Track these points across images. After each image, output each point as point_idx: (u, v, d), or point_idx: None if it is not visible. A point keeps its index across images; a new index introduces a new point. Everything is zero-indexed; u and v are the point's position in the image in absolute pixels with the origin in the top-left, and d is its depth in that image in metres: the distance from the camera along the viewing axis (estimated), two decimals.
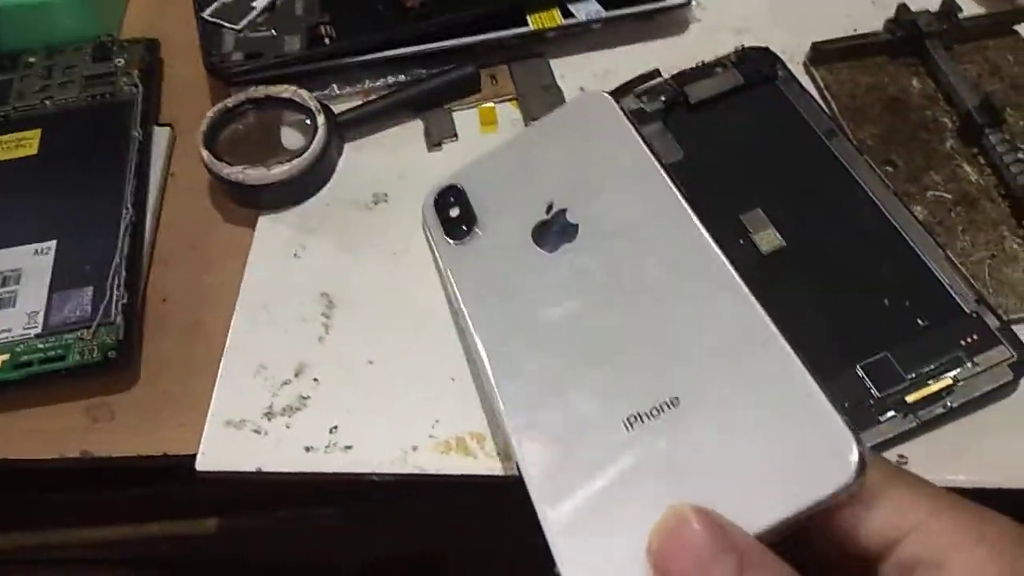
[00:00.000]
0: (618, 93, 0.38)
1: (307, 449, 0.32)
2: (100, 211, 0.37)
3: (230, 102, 0.39)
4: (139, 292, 0.36)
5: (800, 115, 0.39)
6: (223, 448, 0.32)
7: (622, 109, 0.31)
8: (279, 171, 0.37)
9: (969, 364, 0.31)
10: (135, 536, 0.38)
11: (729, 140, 0.39)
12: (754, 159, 0.38)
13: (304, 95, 0.39)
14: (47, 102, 0.42)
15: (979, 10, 0.43)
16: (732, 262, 0.26)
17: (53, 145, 0.40)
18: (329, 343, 0.34)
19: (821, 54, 0.41)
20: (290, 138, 0.39)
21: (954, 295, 0.33)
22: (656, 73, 0.38)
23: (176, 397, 0.34)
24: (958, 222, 0.36)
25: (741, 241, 0.35)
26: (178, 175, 0.40)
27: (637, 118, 0.39)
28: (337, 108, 0.40)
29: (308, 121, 0.39)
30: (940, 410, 0.30)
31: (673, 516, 0.21)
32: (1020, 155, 0.36)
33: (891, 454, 0.31)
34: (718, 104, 0.39)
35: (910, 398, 0.31)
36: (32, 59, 0.43)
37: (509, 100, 0.41)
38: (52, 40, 0.44)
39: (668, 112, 0.39)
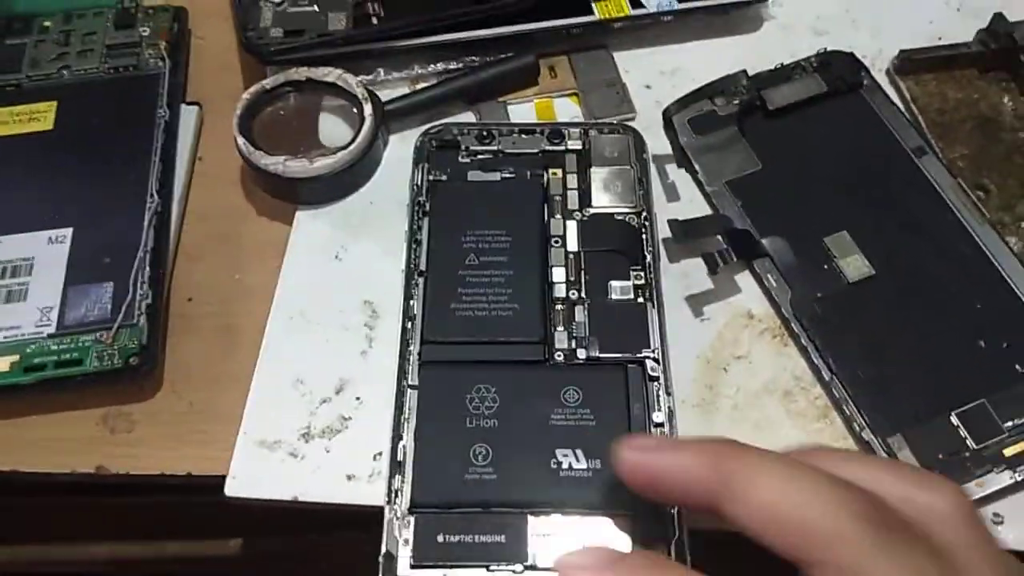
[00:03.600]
0: (696, 96, 0.35)
1: (348, 477, 0.29)
2: (122, 197, 0.34)
3: (268, 83, 0.35)
4: (164, 290, 0.33)
5: (887, 129, 0.36)
6: (255, 472, 0.29)
7: None
8: (322, 164, 0.33)
9: None
10: (151, 555, 0.35)
11: (810, 152, 0.36)
12: (838, 175, 0.35)
13: (350, 80, 0.35)
14: (64, 72, 0.38)
15: None
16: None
17: (70, 120, 0.37)
18: (373, 357, 0.31)
19: (909, 63, 0.38)
20: (330, 126, 0.36)
21: None
22: (743, 75, 0.35)
23: (202, 409, 0.31)
24: None
25: (825, 267, 0.32)
26: (206, 160, 0.37)
27: (709, 121, 0.36)
28: (383, 95, 0.36)
29: (354, 109, 0.35)
30: None
31: None
32: None
33: (986, 512, 0.28)
34: (798, 111, 0.36)
35: (1008, 451, 0.28)
36: (48, 23, 0.40)
37: (569, 95, 0.38)
38: (69, 4, 0.40)
39: (743, 116, 0.36)
